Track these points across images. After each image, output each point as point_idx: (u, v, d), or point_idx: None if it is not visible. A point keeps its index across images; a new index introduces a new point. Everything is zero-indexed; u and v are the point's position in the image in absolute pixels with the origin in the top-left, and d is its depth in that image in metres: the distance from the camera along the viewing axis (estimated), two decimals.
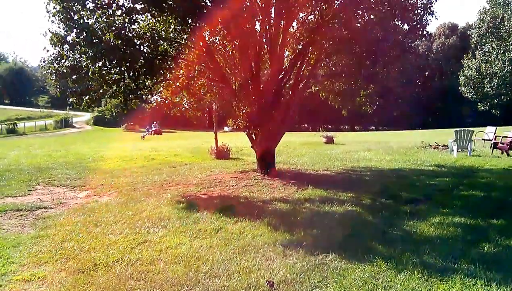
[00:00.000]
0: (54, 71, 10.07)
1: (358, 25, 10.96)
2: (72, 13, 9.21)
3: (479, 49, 34.76)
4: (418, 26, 11.45)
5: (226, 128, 51.04)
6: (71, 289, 4.68)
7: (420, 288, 4.62)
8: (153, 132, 52.44)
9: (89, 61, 9.36)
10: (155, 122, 55.25)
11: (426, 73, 73.67)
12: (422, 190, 10.17)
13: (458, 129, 17.77)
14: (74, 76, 9.87)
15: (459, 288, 4.59)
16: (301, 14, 12.35)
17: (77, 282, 4.84)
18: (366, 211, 8.09)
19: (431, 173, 12.85)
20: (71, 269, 5.27)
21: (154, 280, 4.86)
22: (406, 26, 11.96)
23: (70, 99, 10.43)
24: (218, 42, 12.22)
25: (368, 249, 5.78)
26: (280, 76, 12.21)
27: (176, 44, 10.99)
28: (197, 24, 9.69)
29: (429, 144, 21.44)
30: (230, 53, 12.36)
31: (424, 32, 11.59)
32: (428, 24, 11.92)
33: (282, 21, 11.64)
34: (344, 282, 4.74)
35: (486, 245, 5.94)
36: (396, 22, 11.75)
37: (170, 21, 10.18)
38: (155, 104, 13.90)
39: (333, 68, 13.33)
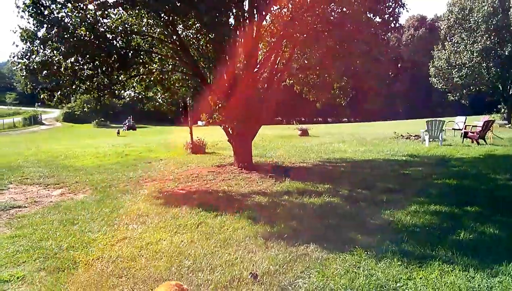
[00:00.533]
0: (24, 67, 9.81)
1: (332, 18, 11.02)
2: (42, 8, 8.97)
3: (448, 40, 35.43)
4: (391, 18, 11.62)
5: (200, 123, 50.81)
6: (52, 288, 4.61)
7: (400, 275, 4.73)
8: (127, 127, 51.13)
9: (61, 57, 9.14)
10: (129, 117, 53.91)
11: (399, 65, 74.85)
12: (396, 180, 10.37)
13: (429, 119, 18.18)
14: (44, 72, 9.63)
15: (438, 274, 4.72)
16: (275, 8, 12.35)
17: (58, 281, 4.77)
18: (344, 202, 8.20)
19: (404, 163, 13.12)
20: (50, 268, 5.18)
21: (136, 277, 4.83)
22: (378, 19, 12.12)
23: (42, 96, 10.19)
24: (191, 36, 12.10)
25: (348, 239, 5.89)
26: (255, 70, 12.19)
27: (149, 38, 10.84)
28: (170, 18, 9.58)
29: (401, 135, 21.86)
30: (204, 47, 12.27)
31: (397, 25, 11.77)
32: (400, 17, 12.14)
33: (256, 15, 11.61)
34: (326, 272, 4.81)
35: (462, 232, 6.12)
36: (369, 15, 11.89)
37: (143, 15, 10.03)
38: (128, 99, 13.71)
39: (307, 62, 13.37)
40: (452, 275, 4.68)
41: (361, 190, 9.31)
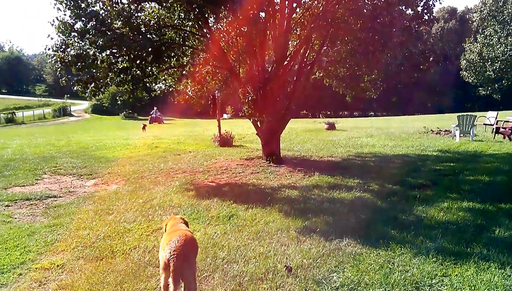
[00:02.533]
0: (59, 59, 10.04)
1: (365, 10, 10.89)
2: (79, 1, 9.15)
3: (481, 32, 34.53)
4: (425, 11, 11.41)
5: (225, 116, 51.05)
6: (91, 276, 4.72)
7: (436, 271, 4.68)
8: (152, 120, 48.05)
9: (97, 49, 9.32)
10: (154, 109, 50.83)
11: (431, 58, 73.36)
12: (428, 175, 10.23)
13: (460, 114, 17.81)
14: (79, 65, 9.83)
15: (473, 271, 4.66)
16: (306, 0, 12.29)
17: (97, 270, 4.90)
18: (375, 197, 8.15)
19: (435, 158, 12.91)
20: (89, 256, 5.33)
21: None
22: (410, 11, 11.94)
23: (76, 88, 10.41)
24: (223, 29, 12.14)
25: (382, 234, 5.86)
26: (285, 63, 12.17)
27: (181, 32, 10.94)
28: (201, 11, 9.65)
29: (431, 130, 21.47)
30: (235, 40, 12.30)
31: (431, 17, 11.55)
32: (433, 9, 11.90)
33: (287, 8, 11.58)
34: (360, 267, 4.81)
35: (497, 229, 6.02)
36: (401, 7, 11.71)
37: (175, 7, 10.13)
38: (159, 92, 13.87)
39: (337, 54, 13.27)
40: (488, 273, 4.62)
41: (392, 185, 9.23)
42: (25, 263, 5.17)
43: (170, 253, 3.67)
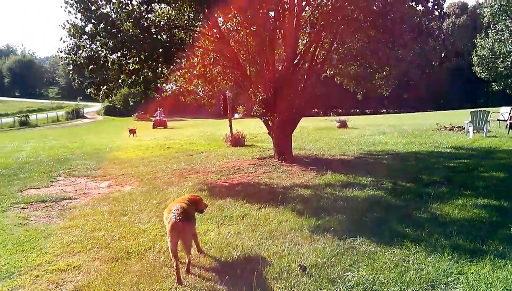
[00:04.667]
0: (71, 62, 10.14)
1: (375, 7, 10.83)
2: (89, 3, 9.23)
3: (492, 28, 34.11)
4: (435, 7, 11.30)
5: (236, 115, 50.98)
6: (107, 277, 4.76)
7: (451, 269, 4.65)
8: (155, 123, 42.02)
9: (108, 51, 9.40)
10: (159, 110, 44.70)
11: (443, 54, 72.58)
12: (442, 172, 10.13)
13: (474, 110, 17.62)
14: (91, 67, 9.92)
15: (490, 269, 4.61)
16: None
17: (112, 271, 4.94)
18: (389, 195, 8.10)
19: (449, 155, 12.80)
20: (104, 258, 5.37)
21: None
22: (421, 7, 11.83)
23: (88, 90, 10.50)
24: (232, 29, 12.17)
25: (396, 232, 5.83)
26: (295, 61, 12.15)
27: (191, 32, 10.98)
28: (211, 11, 9.67)
29: (444, 126, 21.28)
30: (244, 40, 12.32)
31: (442, 13, 11.44)
32: (443, 5, 11.77)
33: (296, 6, 11.56)
34: (375, 265, 4.79)
35: None
36: (412, 4, 11.62)
37: (185, 8, 10.16)
38: (170, 93, 13.94)
39: (348, 52, 13.22)
40: (505, 270, 4.56)
41: (405, 183, 9.16)
42: (42, 264, 5.22)
43: (173, 219, 4.71)
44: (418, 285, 4.33)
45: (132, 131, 28.18)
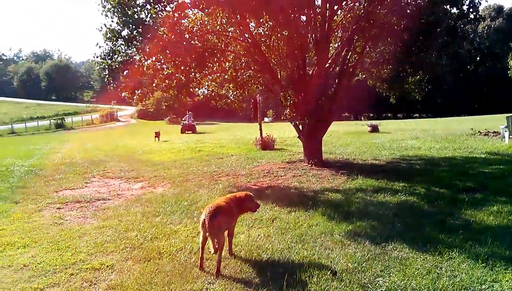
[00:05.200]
0: (107, 66, 10.42)
1: (408, 11, 10.69)
2: (126, 8, 9.47)
3: None
4: (471, 10, 11.07)
5: (266, 119, 51.02)
6: (140, 277, 4.85)
7: (485, 277, 4.54)
8: (183, 128, 38.93)
9: (143, 56, 9.62)
10: (188, 114, 41.67)
11: (478, 58, 70.82)
12: (476, 178, 9.88)
13: (510, 114, 17.10)
14: (126, 71, 10.17)
15: None
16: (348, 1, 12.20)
17: (145, 270, 5.03)
18: (421, 201, 7.96)
19: (483, 160, 12.47)
20: (137, 257, 5.49)
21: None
22: (455, 10, 11.62)
23: (123, 94, 10.77)
24: (263, 34, 12.25)
25: (429, 238, 5.73)
26: (327, 65, 12.12)
27: (223, 38, 11.12)
28: (243, 16, 9.78)
29: (478, 131, 20.74)
30: (275, 44, 12.38)
31: (477, 16, 11.20)
32: (479, 7, 11.53)
33: (328, 10, 11.54)
34: (407, 271, 4.72)
35: None
36: (446, 7, 11.42)
37: (218, 14, 10.30)
38: (201, 97, 14.14)
39: (380, 55, 13.09)
40: None
41: (439, 189, 8.97)
42: (76, 263, 5.36)
43: (204, 215, 4.94)
44: None
45: (157, 135, 27.36)
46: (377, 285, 4.45)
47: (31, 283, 4.76)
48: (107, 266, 5.23)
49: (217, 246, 4.81)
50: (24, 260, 5.47)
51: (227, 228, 5.33)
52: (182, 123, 41.00)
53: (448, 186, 9.18)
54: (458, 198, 8.01)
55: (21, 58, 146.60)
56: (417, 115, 77.21)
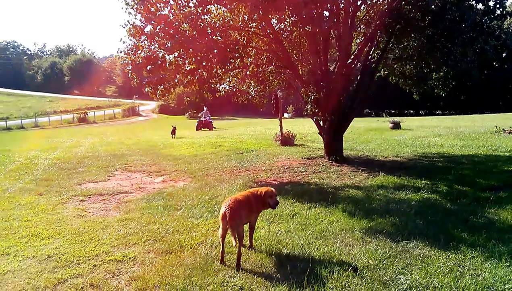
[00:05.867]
0: (130, 61, 10.54)
1: (433, 6, 10.52)
2: (149, 5, 9.56)
3: None
4: (497, 5, 10.84)
5: (286, 115, 50.87)
6: (161, 269, 4.92)
7: (509, 276, 4.48)
8: (200, 124, 37.34)
9: (165, 52, 9.71)
10: (204, 109, 39.89)
11: (504, 54, 69.09)
12: (500, 177, 9.75)
13: None
14: (149, 67, 10.27)
15: None
16: None
17: (166, 263, 5.10)
18: (444, 198, 7.88)
19: (508, 159, 12.26)
20: (159, 250, 5.57)
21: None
22: (481, 6, 11.39)
23: (146, 89, 10.88)
24: (285, 29, 12.21)
25: (451, 237, 5.68)
26: (349, 61, 12.03)
27: (245, 33, 11.14)
28: (266, 12, 9.77)
29: (503, 129, 20.33)
30: (297, 40, 12.34)
31: (504, 12, 10.95)
32: (506, 3, 11.26)
33: (351, 6, 11.44)
34: (429, 269, 4.69)
35: None
36: (472, 3, 11.21)
37: (240, 9, 10.32)
38: (223, 92, 14.21)
39: (404, 51, 12.92)
40: None
41: (462, 187, 8.86)
42: (99, 255, 5.47)
43: (224, 208, 5.02)
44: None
45: (173, 132, 26.07)
46: (398, 282, 4.43)
47: (55, 274, 4.86)
48: (130, 258, 5.32)
49: (237, 238, 4.93)
50: (48, 251, 5.60)
51: (247, 221, 5.43)
52: (198, 120, 39.38)
53: (471, 184, 9.07)
54: (481, 196, 7.92)
55: (45, 53, 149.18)
56: (440, 112, 76.02)
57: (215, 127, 37.28)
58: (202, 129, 36.42)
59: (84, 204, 8.37)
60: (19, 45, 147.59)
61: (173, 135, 25.88)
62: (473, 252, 5.11)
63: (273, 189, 5.63)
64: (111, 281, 4.67)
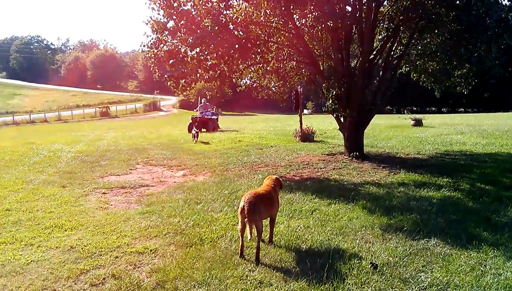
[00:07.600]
0: (153, 55, 10.65)
1: (458, 2, 10.34)
2: (172, 0, 9.64)
3: None
4: None
5: (305, 111, 50.64)
6: (182, 262, 4.98)
7: None
8: (193, 123, 24.85)
9: (187, 47, 9.78)
10: (203, 101, 28.87)
11: None
12: None
13: None
14: (171, 61, 10.36)
15: None
16: None
17: (187, 256, 5.16)
18: (466, 197, 7.76)
19: None
20: (179, 243, 5.64)
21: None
22: (507, 2, 11.17)
23: (168, 83, 10.99)
24: (307, 24, 12.15)
25: (473, 235, 5.61)
26: (371, 57, 11.92)
27: (267, 28, 11.14)
28: (288, 7, 9.74)
29: None
30: (319, 35, 12.27)
31: None
32: None
33: (374, 1, 11.33)
34: (450, 268, 4.65)
35: None
36: None
37: (262, 4, 10.32)
38: (244, 87, 14.23)
39: (427, 47, 12.74)
40: None
41: (484, 185, 8.72)
42: (121, 246, 5.55)
43: (243, 202, 5.04)
44: (496, 290, 4.17)
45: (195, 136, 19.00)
46: (419, 280, 4.40)
47: (78, 264, 4.95)
48: (151, 250, 5.39)
49: (254, 233, 4.96)
50: (71, 242, 5.71)
51: (268, 215, 5.45)
52: (191, 117, 26.90)
53: (493, 182, 8.93)
54: (504, 195, 7.81)
55: (68, 48, 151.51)
56: (462, 110, 74.77)
57: (220, 128, 27.40)
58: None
59: (106, 197, 8.51)
60: (43, 39, 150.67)
61: (196, 140, 18.36)
62: (495, 251, 5.05)
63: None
64: (132, 273, 4.73)
